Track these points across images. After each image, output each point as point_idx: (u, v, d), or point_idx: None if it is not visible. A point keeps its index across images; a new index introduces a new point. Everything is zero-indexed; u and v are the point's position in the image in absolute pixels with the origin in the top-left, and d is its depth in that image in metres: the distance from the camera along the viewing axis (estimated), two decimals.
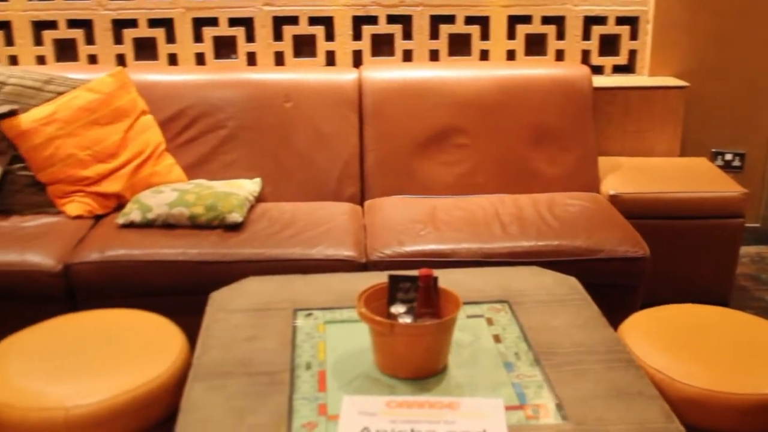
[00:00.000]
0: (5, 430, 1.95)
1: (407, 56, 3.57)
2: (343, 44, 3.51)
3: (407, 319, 1.82)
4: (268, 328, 2.01)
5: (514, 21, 3.55)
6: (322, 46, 3.51)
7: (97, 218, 3.00)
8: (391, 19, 3.51)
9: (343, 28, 3.49)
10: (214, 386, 1.78)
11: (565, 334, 1.98)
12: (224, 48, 3.53)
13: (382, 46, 3.56)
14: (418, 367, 1.80)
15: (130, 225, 2.83)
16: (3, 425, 1.95)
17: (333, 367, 1.85)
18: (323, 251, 2.68)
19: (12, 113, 2.97)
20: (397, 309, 1.85)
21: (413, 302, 1.86)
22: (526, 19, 3.56)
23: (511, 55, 3.60)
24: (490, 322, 2.04)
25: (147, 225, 2.82)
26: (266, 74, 3.33)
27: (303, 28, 3.49)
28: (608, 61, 3.65)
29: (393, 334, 1.76)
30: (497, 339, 1.97)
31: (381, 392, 1.75)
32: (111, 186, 3.03)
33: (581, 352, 1.90)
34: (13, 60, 3.50)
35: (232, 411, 1.69)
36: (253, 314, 2.08)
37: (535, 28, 3.56)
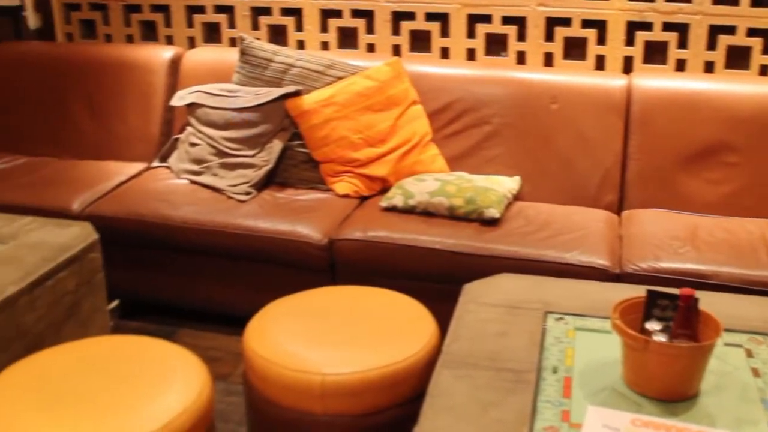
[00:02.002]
0: (265, 384, 2.13)
1: (680, 66, 3.44)
2: (615, 49, 3.45)
3: (662, 338, 1.79)
4: (517, 326, 2.04)
5: None
6: (593, 49, 3.47)
7: (362, 199, 3.18)
8: (667, 27, 3.40)
9: (615, 32, 3.43)
10: (461, 375, 1.84)
11: None
12: (495, 45, 3.58)
13: (655, 53, 3.45)
14: (669, 389, 1.76)
15: (392, 209, 2.97)
16: (264, 380, 2.12)
17: (579, 375, 1.85)
18: (577, 256, 2.68)
19: (297, 93, 3.21)
20: (653, 326, 1.82)
21: (669, 321, 1.82)
22: None
23: None
24: (749, 353, 1.95)
25: (408, 211, 2.95)
26: (534, 74, 3.36)
27: (575, 30, 3.46)
28: None
29: (646, 350, 1.73)
30: (756, 373, 1.88)
31: (627, 408, 1.73)
32: (378, 170, 3.20)
33: None
34: (301, 44, 3.76)
35: (477, 402, 1.74)
36: (505, 310, 2.12)
37: None
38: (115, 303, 3.17)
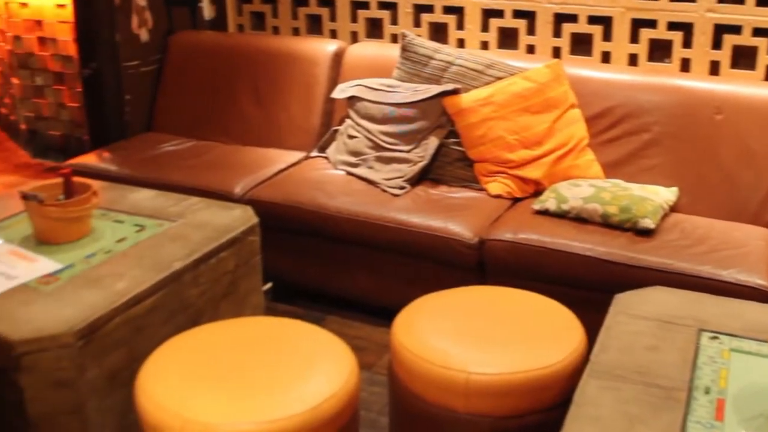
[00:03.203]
0: (411, 377, 2.16)
1: None
2: None
3: None
4: (669, 342, 2.00)
5: None
6: (764, 59, 3.33)
7: (515, 200, 3.18)
8: None
9: None
10: (608, 387, 1.82)
11: None
12: (658, 51, 3.50)
13: None
14: None
15: (545, 212, 2.96)
16: (410, 373, 2.16)
17: (734, 398, 1.79)
18: (734, 275, 2.58)
19: (455, 91, 3.24)
20: None
21: None
22: None
23: None
24: None
25: (560, 215, 2.92)
26: (699, 82, 3.25)
27: (745, 39, 3.33)
28: None
29: None
30: None
31: None
32: (532, 172, 3.19)
33: None
34: (461, 43, 3.79)
35: (624, 416, 1.72)
36: (656, 324, 2.08)
37: None
38: (268, 285, 3.29)
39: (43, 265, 2.31)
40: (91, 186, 2.54)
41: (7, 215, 2.67)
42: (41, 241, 2.45)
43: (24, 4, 4.83)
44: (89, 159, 3.65)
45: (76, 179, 2.53)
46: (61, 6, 4.65)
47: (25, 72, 5.00)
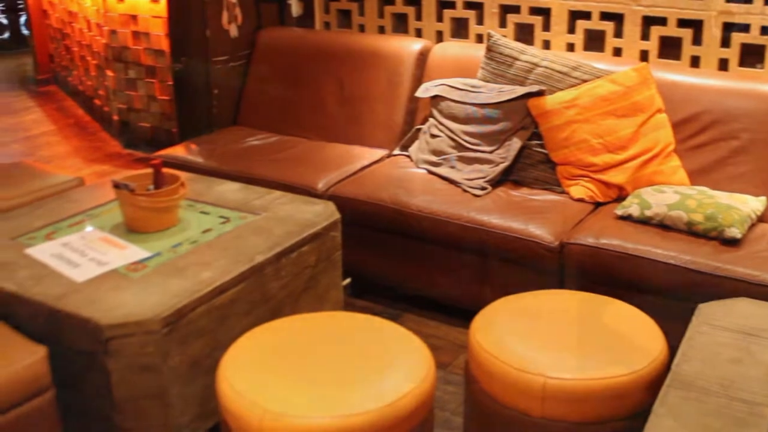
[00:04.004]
0: (487, 378, 2.16)
1: None
2: None
3: None
4: (754, 355, 1.96)
5: None
6: None
7: (597, 205, 3.14)
8: None
9: None
10: (689, 398, 1.80)
11: None
12: (750, 56, 3.41)
13: None
14: None
15: (627, 218, 2.91)
16: (487, 374, 2.16)
17: None
18: None
19: (540, 93, 3.22)
20: None
21: None
22: None
23: None
24: None
25: (643, 221, 2.88)
26: None
27: None
28: None
29: None
30: None
31: None
32: (615, 177, 3.14)
33: None
34: (546, 44, 3.76)
35: (705, 429, 1.69)
36: (741, 336, 2.04)
37: None
38: (347, 281, 3.32)
39: (132, 252, 2.39)
40: (180, 177, 2.61)
41: (99, 203, 2.77)
42: (131, 229, 2.53)
43: (121, 0, 4.98)
44: (177, 151, 3.76)
45: (166, 170, 2.61)
46: (155, 1, 4.79)
47: (119, 65, 5.16)
